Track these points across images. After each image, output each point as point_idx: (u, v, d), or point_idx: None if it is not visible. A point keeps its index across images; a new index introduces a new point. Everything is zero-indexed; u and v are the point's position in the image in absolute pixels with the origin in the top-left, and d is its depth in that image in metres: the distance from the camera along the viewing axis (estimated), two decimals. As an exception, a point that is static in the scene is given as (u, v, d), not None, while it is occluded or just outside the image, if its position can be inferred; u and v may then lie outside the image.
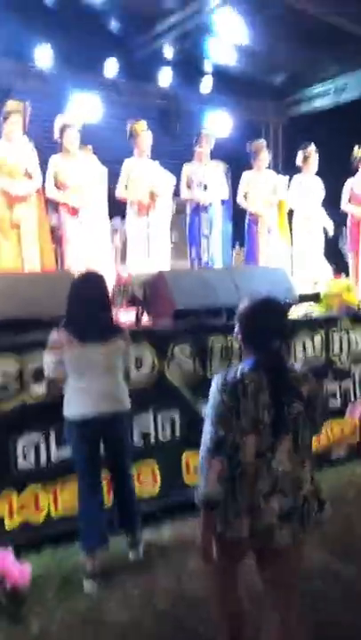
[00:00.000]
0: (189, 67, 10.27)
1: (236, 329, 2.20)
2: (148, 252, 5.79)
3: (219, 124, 10.43)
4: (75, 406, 3.17)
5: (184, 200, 6.47)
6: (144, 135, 6.02)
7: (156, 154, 6.29)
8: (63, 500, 3.60)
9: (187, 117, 10.89)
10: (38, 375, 3.53)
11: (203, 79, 10.55)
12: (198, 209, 6.30)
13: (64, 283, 4.01)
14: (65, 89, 9.73)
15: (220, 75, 10.43)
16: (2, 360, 3.48)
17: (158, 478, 3.99)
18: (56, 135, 5.44)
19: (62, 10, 8.84)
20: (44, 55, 9.34)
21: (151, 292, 4.61)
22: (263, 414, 2.03)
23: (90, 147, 5.87)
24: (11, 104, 5.13)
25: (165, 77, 10.35)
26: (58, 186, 5.46)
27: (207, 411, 2.10)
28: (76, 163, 5.49)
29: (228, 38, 9.18)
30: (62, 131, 5.48)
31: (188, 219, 6.45)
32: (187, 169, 6.39)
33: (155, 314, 4.51)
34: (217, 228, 6.35)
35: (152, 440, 4.00)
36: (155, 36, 9.39)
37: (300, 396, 2.09)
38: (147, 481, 3.93)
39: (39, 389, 3.57)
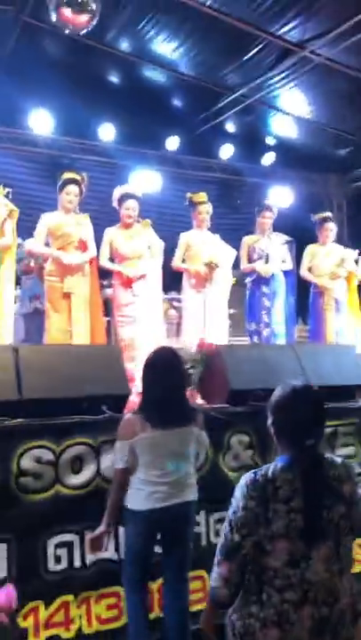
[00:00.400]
0: (251, 140, 10.24)
1: (268, 421, 2.02)
2: (205, 326, 5.41)
3: (281, 196, 10.24)
4: (144, 499, 2.81)
5: (244, 272, 6.12)
6: (204, 207, 5.78)
7: (216, 226, 6.04)
8: (97, 613, 3.10)
9: (248, 190, 10.80)
10: (75, 462, 3.14)
11: (264, 152, 10.49)
12: (259, 281, 5.92)
13: (112, 358, 3.72)
14: (126, 164, 9.84)
15: (283, 147, 10.34)
16: (36, 444, 3.10)
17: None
18: (114, 203, 5.26)
19: (125, 88, 9.04)
20: (106, 132, 9.51)
21: (205, 370, 4.17)
22: (297, 519, 1.82)
23: (149, 220, 5.69)
24: (68, 174, 5.01)
25: (227, 151, 10.33)
26: (113, 257, 5.23)
27: (228, 513, 1.91)
28: (132, 234, 5.27)
29: (291, 111, 9.10)
30: (120, 201, 5.30)
31: (248, 292, 6.07)
32: (248, 240, 6.08)
33: (208, 394, 4.06)
34: (279, 301, 5.92)
35: (203, 543, 3.47)
36: (216, 111, 9.42)
37: (341, 497, 1.88)
38: (196, 593, 3.35)
39: (76, 480, 3.16)
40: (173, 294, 7.75)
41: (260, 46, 7.39)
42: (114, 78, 9.06)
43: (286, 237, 6.16)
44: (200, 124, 9.86)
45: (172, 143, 10.03)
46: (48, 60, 8.27)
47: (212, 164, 10.48)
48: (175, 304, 7.64)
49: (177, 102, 9.62)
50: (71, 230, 4.95)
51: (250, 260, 6.02)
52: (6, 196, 4.81)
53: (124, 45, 8.22)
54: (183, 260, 5.79)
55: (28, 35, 7.70)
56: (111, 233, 5.27)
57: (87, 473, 3.19)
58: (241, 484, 1.92)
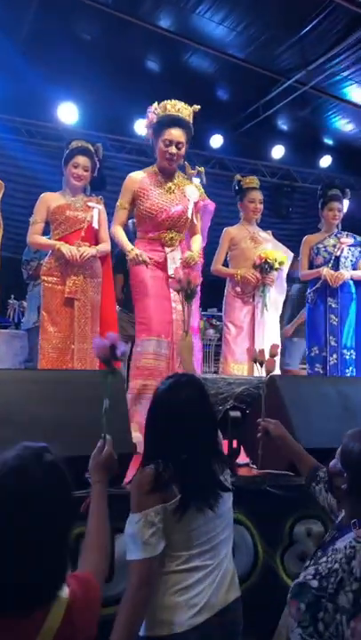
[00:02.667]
0: (305, 139, 8.98)
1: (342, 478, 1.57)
2: (254, 347, 4.08)
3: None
4: (181, 610, 1.62)
5: (303, 279, 4.76)
6: (256, 194, 4.49)
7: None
8: None
9: (300, 197, 9.54)
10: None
11: (321, 153, 9.19)
12: (324, 292, 4.51)
13: (112, 389, 2.41)
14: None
15: (342, 147, 9.02)
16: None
17: None
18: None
19: (163, 75, 7.90)
20: (141, 127, 8.37)
21: (254, 413, 2.81)
22: None
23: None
24: (77, 142, 3.81)
25: (277, 152, 9.08)
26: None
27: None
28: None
29: (358, 100, 7.77)
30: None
31: (308, 306, 4.68)
32: (309, 240, 4.69)
33: (257, 452, 2.66)
34: (350, 319, 4.53)
35: None
36: (267, 103, 8.18)
37: None
38: None
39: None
40: (213, 311, 6.53)
41: (325, 13, 6.10)
42: (151, 62, 7.92)
43: (358, 237, 4.77)
44: (247, 120, 8.64)
45: (216, 141, 8.84)
46: (73, 40, 7.19)
47: (260, 165, 9.22)
48: (214, 322, 6.37)
49: (222, 93, 8.44)
50: (78, 215, 3.71)
51: (311, 265, 4.66)
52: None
53: (163, 21, 7.07)
54: (225, 264, 4.49)
55: (50, 5, 6.60)
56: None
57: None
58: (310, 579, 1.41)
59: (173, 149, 3.31)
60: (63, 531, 1.21)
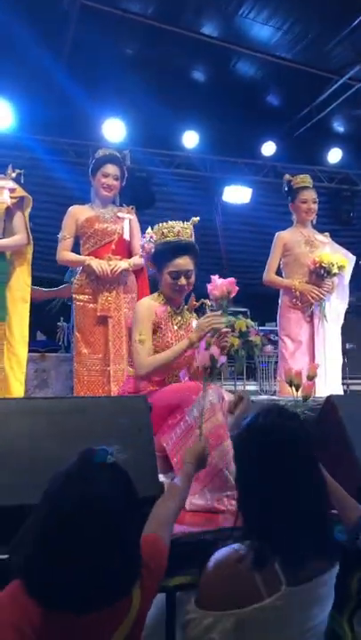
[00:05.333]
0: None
1: None
2: (316, 363, 3.63)
3: None
4: None
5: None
6: (309, 193, 4.08)
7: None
8: None
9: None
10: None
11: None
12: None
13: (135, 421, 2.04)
14: (213, 176, 8.38)
15: None
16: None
17: None
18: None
19: (210, 84, 7.62)
20: (189, 139, 8.12)
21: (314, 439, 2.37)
22: None
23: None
24: (105, 150, 3.54)
25: (334, 155, 8.59)
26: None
27: None
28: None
29: None
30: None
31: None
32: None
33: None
34: None
35: None
36: (320, 105, 7.74)
37: None
38: None
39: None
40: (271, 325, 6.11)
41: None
42: (197, 72, 7.66)
43: None
44: (300, 124, 8.21)
45: (268, 149, 8.45)
46: (115, 54, 7.03)
47: (316, 171, 8.74)
48: (273, 337, 5.91)
49: (271, 98, 8.07)
50: (108, 227, 3.41)
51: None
52: (16, 179, 3.38)
53: (206, 27, 6.79)
54: (279, 273, 4.08)
55: (90, 21, 6.46)
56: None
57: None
58: None
59: (183, 281, 2.63)
60: (133, 529, 1.25)
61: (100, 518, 1.15)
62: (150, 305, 2.63)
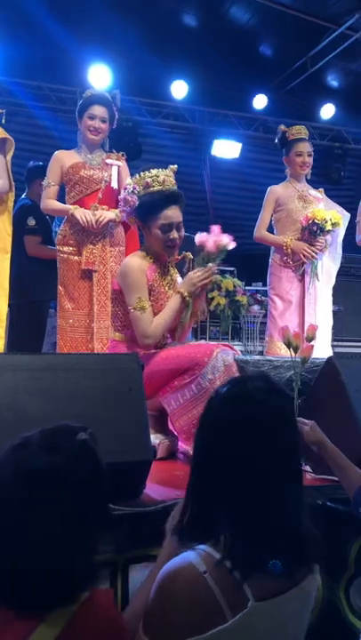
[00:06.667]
0: (359, 95, 8.16)
1: None
2: (303, 325, 3.54)
3: None
4: None
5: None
6: (304, 145, 3.91)
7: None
8: None
9: (354, 160, 8.77)
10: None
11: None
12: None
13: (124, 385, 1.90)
14: (202, 128, 8.09)
15: None
16: None
17: None
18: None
19: (201, 30, 7.27)
20: (178, 89, 7.78)
21: (309, 403, 2.29)
22: None
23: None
24: (93, 91, 3.31)
25: (327, 111, 8.32)
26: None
27: None
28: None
29: None
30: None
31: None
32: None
33: (313, 453, 2.12)
34: None
35: None
36: (315, 56, 7.44)
37: None
38: None
39: None
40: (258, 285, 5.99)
41: None
42: (188, 16, 7.28)
43: None
44: (293, 76, 7.91)
45: (260, 102, 8.15)
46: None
47: (308, 127, 8.41)
48: (259, 297, 5.80)
49: (265, 48, 7.73)
50: (95, 174, 3.21)
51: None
52: (-3, 120, 3.15)
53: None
54: (271, 229, 3.93)
55: None
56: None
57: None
58: None
59: (175, 234, 2.41)
60: (94, 519, 1.05)
61: (53, 491, 1.00)
62: (141, 265, 2.43)
